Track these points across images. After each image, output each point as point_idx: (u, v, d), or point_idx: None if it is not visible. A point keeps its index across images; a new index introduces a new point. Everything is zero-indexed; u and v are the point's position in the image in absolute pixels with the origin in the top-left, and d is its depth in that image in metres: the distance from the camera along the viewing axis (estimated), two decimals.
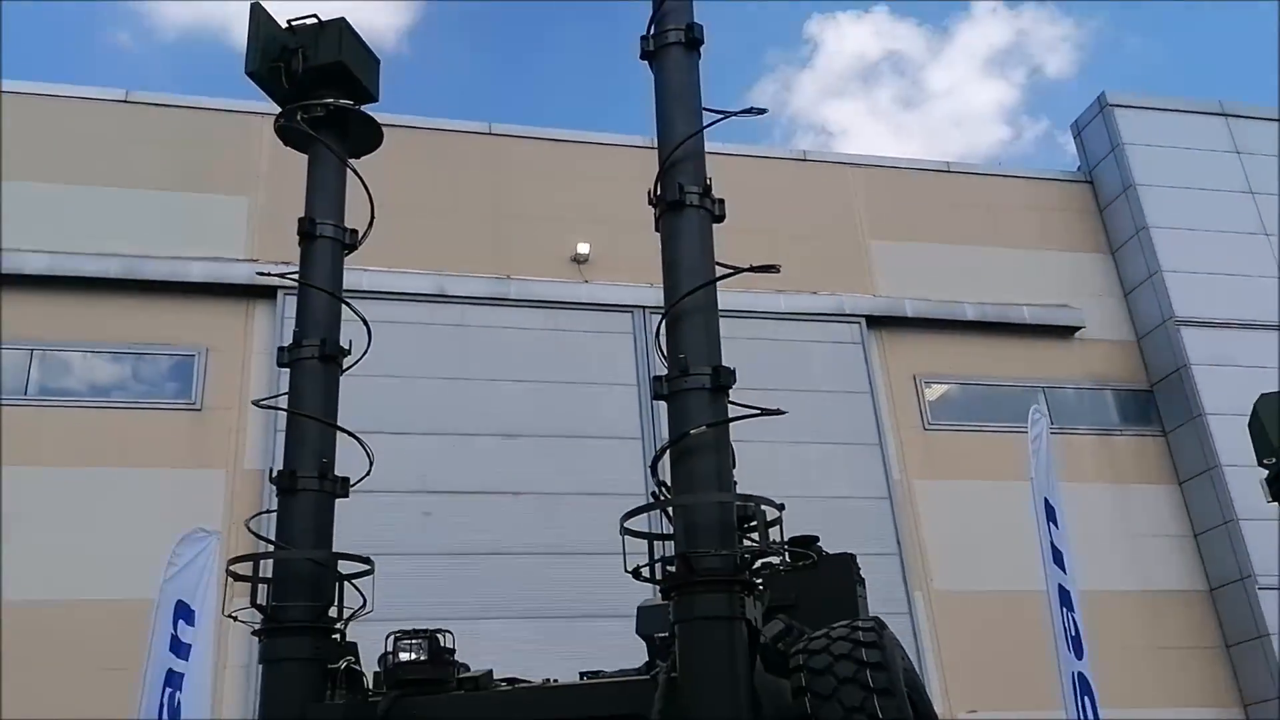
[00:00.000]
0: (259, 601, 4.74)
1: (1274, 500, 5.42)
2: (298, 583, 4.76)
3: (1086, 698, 4.10)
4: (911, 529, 20.27)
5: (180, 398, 18.50)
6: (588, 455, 17.95)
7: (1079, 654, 4.23)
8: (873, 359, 21.69)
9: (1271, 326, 21.12)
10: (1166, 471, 21.32)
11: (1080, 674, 4.15)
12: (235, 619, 4.80)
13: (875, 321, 21.75)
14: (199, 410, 18.44)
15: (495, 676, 5.11)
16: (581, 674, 5.05)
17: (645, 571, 4.52)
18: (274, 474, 4.96)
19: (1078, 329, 22.11)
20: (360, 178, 5.61)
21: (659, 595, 4.92)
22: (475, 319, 19.81)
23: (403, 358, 18.98)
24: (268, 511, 5.03)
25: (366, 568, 5.05)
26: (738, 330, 17.94)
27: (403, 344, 19.12)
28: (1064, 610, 4.26)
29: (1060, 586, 4.31)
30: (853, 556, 6.62)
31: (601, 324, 19.60)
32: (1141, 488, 21.10)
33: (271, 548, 4.91)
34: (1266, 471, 5.66)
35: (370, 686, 4.98)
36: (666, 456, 4.62)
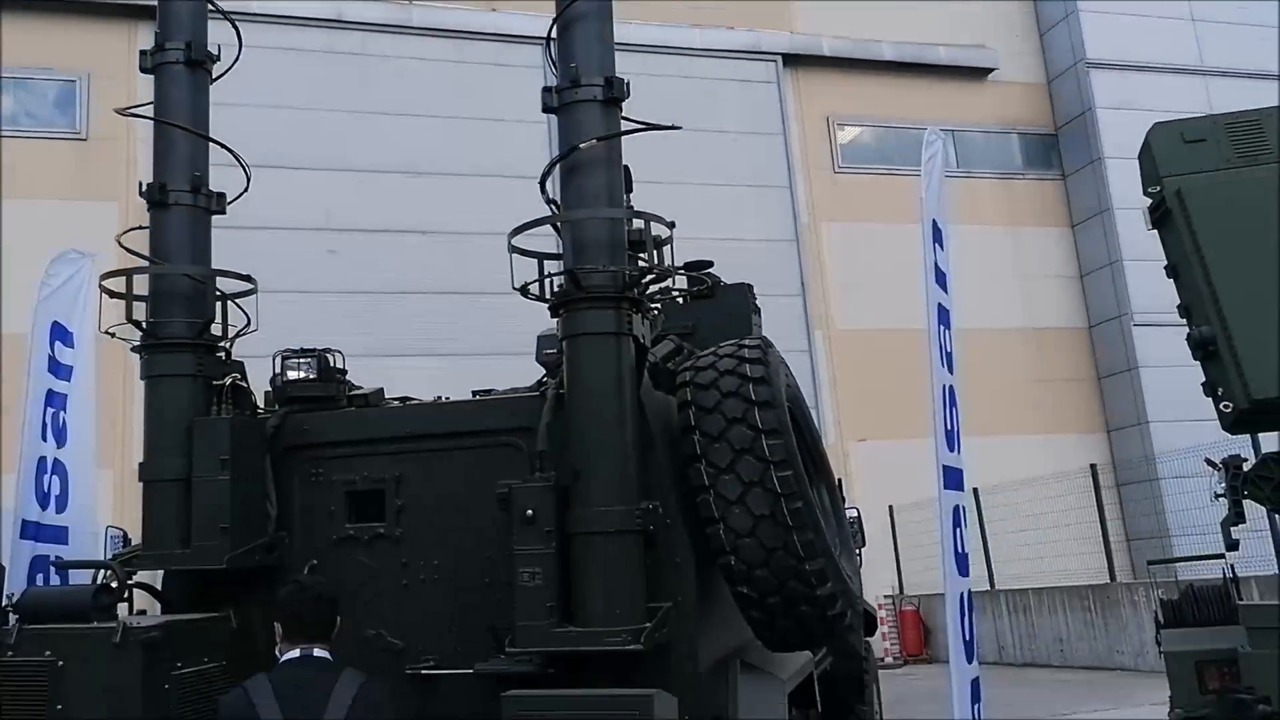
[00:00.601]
0: (136, 318, 4.62)
1: (1154, 228, 5.53)
2: (175, 299, 4.63)
3: (953, 409, 4.30)
4: (816, 271, 20.68)
5: (64, 126, 17.50)
6: (496, 194, 17.60)
7: (950, 369, 4.40)
8: (787, 100, 21.33)
9: (1179, 70, 21.24)
10: (1061, 214, 21.94)
11: (950, 387, 4.33)
12: (113, 335, 4.68)
13: (791, 60, 21.23)
14: (85, 140, 17.51)
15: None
16: (474, 393, 5.12)
17: (533, 289, 4.50)
18: (143, 188, 4.71)
19: (991, 71, 21.95)
20: None
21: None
22: (377, 48, 18.77)
23: (301, 88, 18.05)
24: (141, 228, 4.81)
25: (249, 286, 4.93)
26: (650, 66, 17.32)
27: (301, 74, 18.12)
28: (941, 328, 4.40)
29: (940, 305, 4.43)
30: (749, 286, 6.71)
31: (510, 57, 18.76)
32: (1036, 230, 21.74)
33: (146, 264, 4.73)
34: (1150, 200, 5.72)
35: (262, 407, 4.99)
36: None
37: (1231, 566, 5.18)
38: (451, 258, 17.78)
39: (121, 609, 4.54)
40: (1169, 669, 4.33)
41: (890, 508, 18.17)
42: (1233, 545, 4.69)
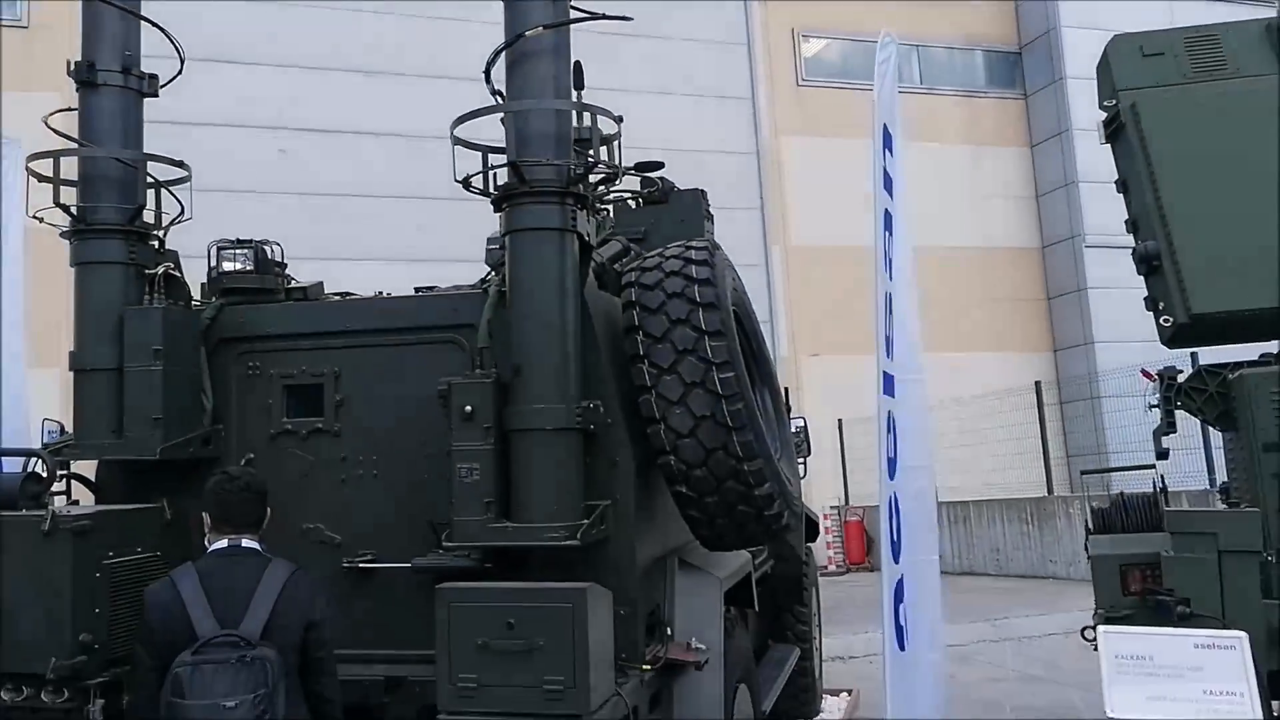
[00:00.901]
0: (63, 203, 4.47)
1: (1107, 142, 5.52)
2: (104, 183, 4.46)
3: (890, 315, 4.31)
4: (775, 185, 20.57)
5: (6, 15, 16.79)
6: (456, 97, 17.12)
7: (891, 275, 4.39)
8: (752, 9, 20.95)
9: None
10: (1021, 134, 21.93)
11: (890, 294, 4.33)
12: (40, 220, 4.53)
13: None
14: (26, 28, 16.84)
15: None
16: (416, 289, 5.03)
17: (476, 182, 4.39)
18: (70, 66, 4.51)
19: None
20: None
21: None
22: None
23: None
24: (69, 109, 4.62)
25: (183, 173, 4.78)
26: None
27: None
28: (886, 234, 4.38)
29: (886, 211, 4.40)
30: (702, 192, 6.64)
31: None
32: (995, 149, 21.73)
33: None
34: (1105, 115, 5.70)
35: (199, 299, 4.88)
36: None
37: (1162, 477, 5.30)
38: (408, 161, 17.41)
39: (60, 501, 4.50)
40: (1094, 572, 4.45)
41: (839, 422, 18.42)
42: (1163, 454, 4.80)
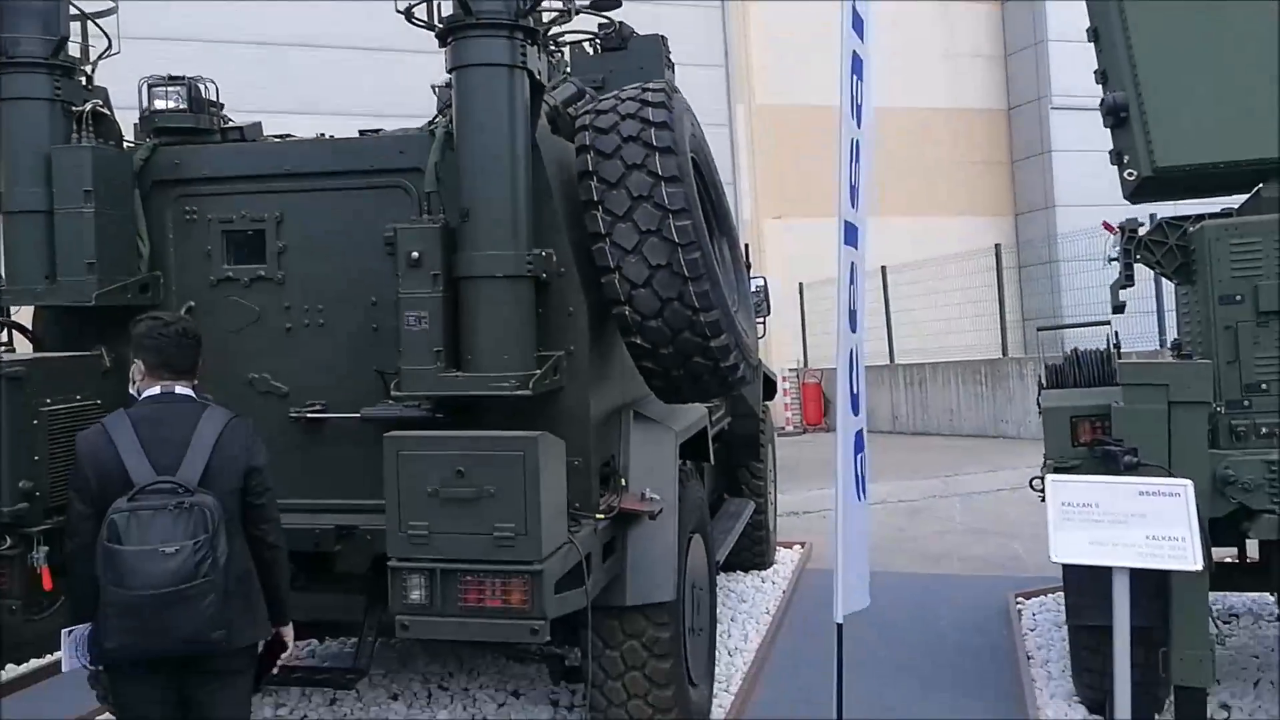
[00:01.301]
0: None
1: None
2: (25, 13, 4.16)
3: (857, 164, 4.17)
4: (741, 41, 19.98)
5: None
6: None
7: (859, 122, 4.23)
8: None
9: None
10: None
11: (856, 141, 4.19)
12: None
13: None
14: None
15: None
16: (361, 132, 4.83)
17: (419, 13, 4.15)
18: None
19: None
20: None
21: None
22: None
23: None
24: None
25: (110, 4, 4.48)
26: None
27: None
28: (854, 78, 4.19)
29: (854, 53, 4.20)
30: (663, 38, 6.40)
31: None
32: (966, 6, 21.18)
33: None
34: None
35: (133, 140, 4.65)
36: None
37: (1115, 333, 5.31)
38: (360, 9, 16.67)
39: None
40: (1045, 423, 4.47)
41: (800, 285, 18.42)
42: (1119, 307, 4.78)
